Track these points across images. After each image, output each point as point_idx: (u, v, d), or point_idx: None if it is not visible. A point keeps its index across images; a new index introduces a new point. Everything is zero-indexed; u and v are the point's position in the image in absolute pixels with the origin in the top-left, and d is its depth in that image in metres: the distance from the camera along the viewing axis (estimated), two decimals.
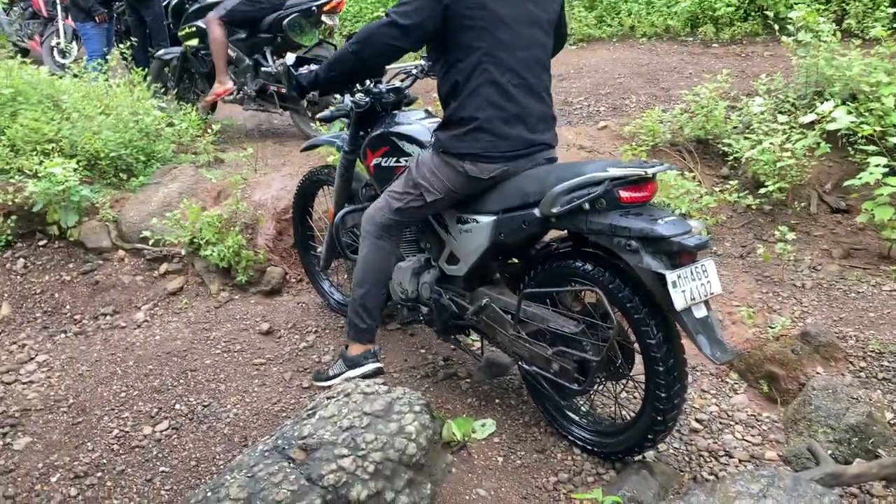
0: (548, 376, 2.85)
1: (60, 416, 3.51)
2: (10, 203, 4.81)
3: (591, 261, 2.70)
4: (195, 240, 4.60)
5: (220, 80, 6.53)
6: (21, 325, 4.41)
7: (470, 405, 3.36)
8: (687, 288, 2.41)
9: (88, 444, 3.30)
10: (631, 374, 2.83)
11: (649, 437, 2.73)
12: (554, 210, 2.60)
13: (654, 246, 2.42)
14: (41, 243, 4.91)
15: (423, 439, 2.65)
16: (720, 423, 3.18)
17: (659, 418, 2.64)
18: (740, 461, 2.93)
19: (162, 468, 3.11)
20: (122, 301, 4.58)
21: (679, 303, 2.38)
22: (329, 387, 3.29)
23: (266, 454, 2.58)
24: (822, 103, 4.84)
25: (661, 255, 2.43)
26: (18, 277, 4.71)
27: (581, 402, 3.10)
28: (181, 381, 3.66)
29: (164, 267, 4.78)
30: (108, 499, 3.00)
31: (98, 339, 4.20)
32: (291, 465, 2.49)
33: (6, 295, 4.59)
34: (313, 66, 3.25)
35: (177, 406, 3.48)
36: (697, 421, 3.19)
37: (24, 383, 3.82)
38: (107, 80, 6.22)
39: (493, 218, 2.89)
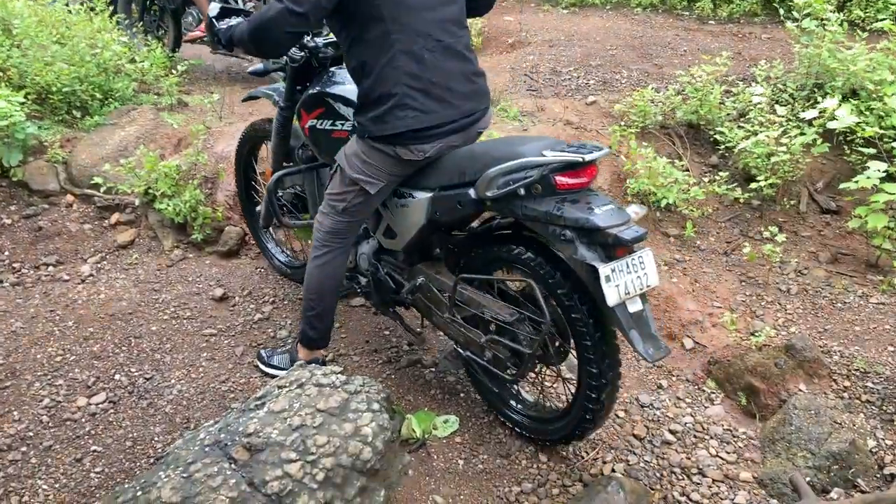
0: (481, 363, 2.76)
1: None
2: None
3: (530, 247, 2.55)
4: (150, 191, 4.27)
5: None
6: None
7: (433, 397, 3.15)
8: (621, 282, 2.28)
9: (15, 412, 3.03)
10: (563, 362, 2.73)
11: (579, 429, 2.68)
12: (489, 193, 2.46)
13: (588, 237, 2.29)
14: None
15: (379, 442, 2.43)
16: (694, 436, 3.02)
17: (588, 413, 2.58)
18: (714, 481, 2.78)
19: (94, 447, 2.86)
20: (67, 251, 4.26)
21: (612, 298, 2.26)
22: (270, 375, 3.14)
23: (206, 449, 2.34)
24: (822, 97, 4.63)
25: (595, 247, 2.30)
26: None
27: (517, 387, 2.98)
28: (123, 347, 3.39)
29: (115, 217, 4.46)
30: (31, 478, 2.75)
31: (37, 291, 3.89)
32: (233, 465, 2.26)
33: None
34: (236, 20, 2.89)
35: (116, 377, 3.21)
36: (671, 432, 3.02)
37: None
38: (66, 4, 5.74)
39: (430, 195, 2.71)
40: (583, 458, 2.86)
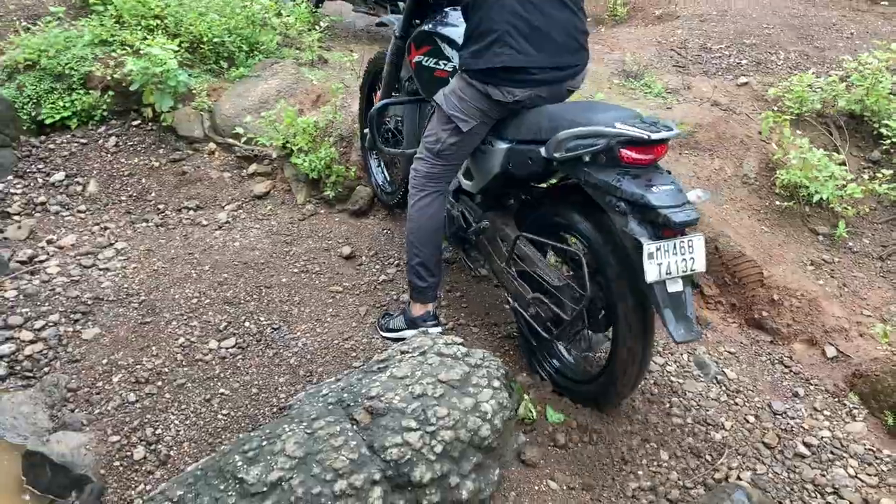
0: (525, 316, 2.88)
1: (131, 311, 3.42)
2: (108, 78, 4.68)
3: (589, 218, 2.61)
4: (288, 145, 4.37)
5: None
6: (106, 207, 4.33)
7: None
8: (664, 261, 2.31)
9: (153, 348, 3.20)
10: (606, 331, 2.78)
11: (602, 398, 2.80)
12: (556, 154, 2.53)
13: (641, 213, 2.33)
14: (134, 123, 4.79)
15: (498, 420, 2.40)
16: (831, 452, 2.81)
17: (612, 386, 2.70)
18: None
19: (222, 390, 2.98)
20: (207, 197, 4.43)
21: (651, 275, 2.29)
22: (390, 339, 3.19)
23: (329, 407, 2.38)
24: None
25: (646, 224, 2.34)
26: (109, 156, 4.61)
27: (557, 346, 3.05)
28: (254, 296, 3.50)
29: (252, 167, 4.60)
30: (165, 412, 2.89)
31: (178, 234, 4.08)
32: (354, 427, 2.28)
33: (95, 172, 4.51)
34: None
35: (246, 323, 3.33)
36: (805, 445, 2.83)
37: (100, 269, 3.75)
38: None
39: (506, 146, 2.83)
40: (707, 461, 2.72)
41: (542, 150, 2.59)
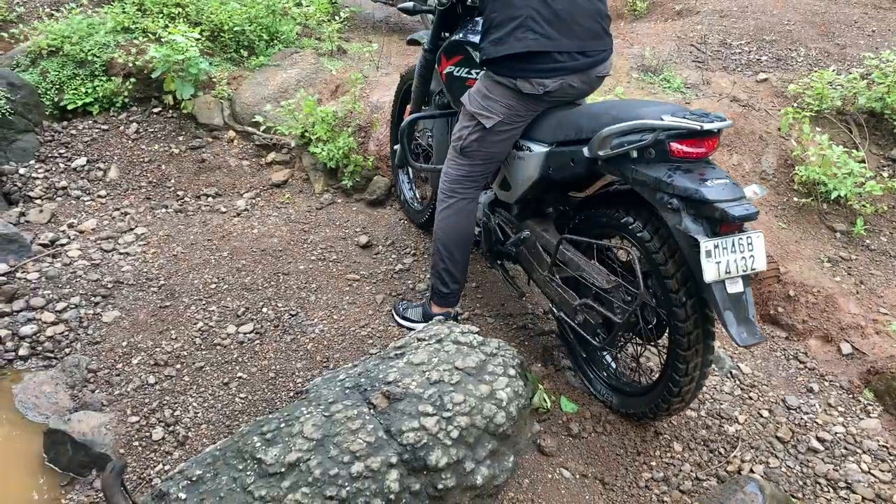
0: (573, 325, 2.74)
1: (150, 295, 3.46)
2: (130, 65, 4.73)
3: (639, 217, 2.46)
4: (306, 134, 4.40)
5: None
6: (126, 192, 4.38)
7: (567, 366, 3.10)
8: (723, 260, 2.18)
9: (172, 331, 3.24)
10: (659, 340, 2.62)
11: (653, 412, 2.64)
12: (601, 153, 2.39)
13: (695, 208, 2.19)
14: (155, 110, 4.83)
15: (513, 408, 2.41)
16: (845, 447, 2.81)
17: (665, 400, 2.54)
18: (863, 499, 2.58)
19: (240, 374, 3.02)
20: (226, 184, 4.47)
21: (710, 274, 2.16)
22: (402, 325, 3.21)
23: (347, 391, 2.41)
24: None
25: (701, 220, 2.20)
26: (129, 142, 4.66)
27: (606, 357, 2.97)
28: (272, 283, 3.54)
29: (271, 156, 4.64)
30: (184, 394, 2.93)
31: (197, 220, 4.12)
32: (372, 411, 2.31)
33: (116, 158, 4.56)
34: None
35: (264, 309, 3.36)
36: (819, 440, 2.83)
37: (120, 253, 3.80)
38: None
39: (546, 149, 2.69)
40: (720, 453, 2.74)
41: (585, 150, 2.47)
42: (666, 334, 2.55)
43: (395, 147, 3.71)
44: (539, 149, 2.72)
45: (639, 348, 2.87)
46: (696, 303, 2.35)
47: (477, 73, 3.00)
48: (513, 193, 2.98)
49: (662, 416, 2.66)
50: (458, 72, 3.11)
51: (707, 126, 2.17)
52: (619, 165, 2.38)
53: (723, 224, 2.18)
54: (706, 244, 2.15)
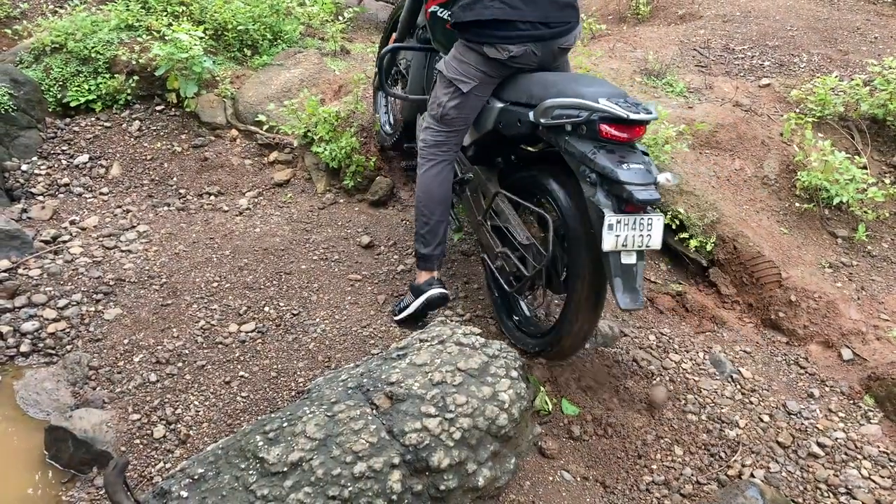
0: (492, 268, 3.12)
1: (152, 293, 3.46)
2: (133, 63, 4.73)
3: (562, 182, 2.75)
4: (309, 134, 4.41)
5: None
6: (128, 190, 4.38)
7: (567, 367, 3.10)
8: (622, 234, 2.47)
9: (174, 329, 3.24)
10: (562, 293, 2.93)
11: (546, 353, 2.99)
12: (542, 120, 2.64)
13: (609, 186, 2.47)
14: (158, 108, 4.83)
15: (515, 410, 2.42)
16: (845, 453, 2.82)
17: (557, 345, 2.87)
18: None
19: (242, 372, 3.02)
20: (228, 183, 4.47)
21: (608, 244, 2.46)
22: (404, 319, 3.26)
23: (349, 391, 2.41)
24: None
25: (612, 197, 2.48)
26: (132, 140, 4.66)
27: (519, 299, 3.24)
28: (274, 282, 3.54)
29: (273, 155, 4.64)
30: (185, 392, 2.93)
31: (199, 218, 4.12)
32: (374, 412, 2.31)
33: (118, 156, 4.56)
34: None
35: (266, 308, 3.36)
36: (819, 445, 2.83)
37: (122, 251, 3.80)
38: None
39: (501, 106, 2.96)
40: (721, 457, 2.74)
41: (531, 114, 2.70)
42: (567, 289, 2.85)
43: (375, 71, 3.88)
44: (496, 104, 2.98)
45: (543, 297, 3.20)
46: (594, 267, 2.63)
47: None
48: (469, 136, 3.24)
49: (550, 357, 3.01)
50: (441, 13, 3.22)
51: (633, 116, 2.43)
52: (555, 134, 2.64)
53: (628, 204, 2.44)
54: (610, 218, 2.44)
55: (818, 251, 3.88)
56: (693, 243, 3.76)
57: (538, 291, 3.15)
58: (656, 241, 2.51)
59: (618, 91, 2.59)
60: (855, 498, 2.61)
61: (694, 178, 3.97)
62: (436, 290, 3.15)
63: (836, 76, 4.60)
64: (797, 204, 4.04)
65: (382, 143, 4.35)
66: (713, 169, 4.10)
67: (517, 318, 3.21)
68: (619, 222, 2.45)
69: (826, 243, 3.95)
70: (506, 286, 3.02)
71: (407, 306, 3.25)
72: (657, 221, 2.50)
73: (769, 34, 5.70)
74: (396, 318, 3.30)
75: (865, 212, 3.96)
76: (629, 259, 2.50)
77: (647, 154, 2.57)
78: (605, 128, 2.47)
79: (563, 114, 2.57)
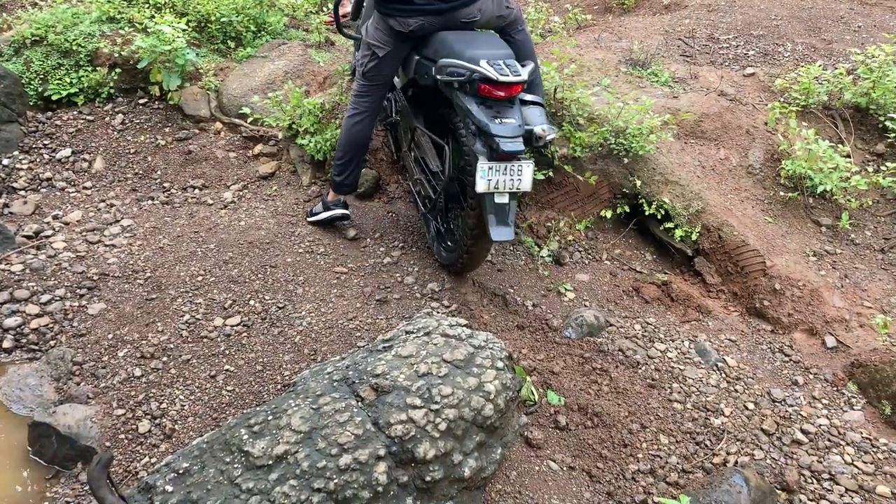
0: (413, 192, 3.74)
1: (136, 287, 3.44)
2: (116, 55, 4.68)
3: (468, 128, 3.06)
4: (294, 126, 4.38)
5: None
6: (111, 184, 4.34)
7: (560, 361, 3.11)
8: (494, 178, 2.90)
9: (159, 324, 3.22)
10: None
11: (454, 266, 3.47)
12: (438, 76, 3.09)
13: (484, 137, 2.92)
14: (141, 101, 4.79)
15: (501, 400, 2.42)
16: (828, 439, 2.84)
17: (461, 259, 3.35)
18: (846, 490, 2.61)
19: (227, 366, 3.00)
20: (213, 176, 4.44)
21: (480, 186, 2.90)
22: (316, 223, 3.92)
23: (334, 384, 2.40)
24: None
25: (486, 147, 2.92)
26: (115, 133, 4.62)
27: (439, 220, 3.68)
28: (259, 275, 3.52)
29: (258, 148, 4.61)
30: (170, 387, 2.92)
31: (184, 212, 4.09)
32: (360, 404, 2.31)
33: (101, 149, 4.52)
34: None
35: (251, 302, 3.35)
36: (803, 432, 2.86)
37: (106, 245, 3.77)
38: None
39: (417, 58, 3.38)
40: (706, 445, 2.76)
41: (433, 70, 3.11)
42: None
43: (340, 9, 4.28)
44: (415, 56, 3.39)
45: (456, 218, 3.52)
46: (477, 202, 3.05)
47: None
48: (401, 81, 3.76)
49: (458, 270, 3.49)
50: None
51: (501, 78, 2.83)
52: (448, 88, 3.08)
53: (497, 153, 2.85)
54: (482, 165, 2.88)
55: (802, 240, 3.90)
56: (678, 233, 3.77)
57: (451, 214, 3.55)
58: (526, 185, 2.95)
59: (502, 53, 3.00)
60: (838, 483, 2.64)
61: (679, 167, 3.98)
62: (339, 211, 3.83)
63: (820, 65, 4.62)
64: (782, 193, 4.06)
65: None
66: (698, 158, 4.11)
67: (439, 236, 3.67)
68: (490, 168, 2.89)
69: (810, 232, 3.97)
70: (422, 206, 3.65)
71: (317, 214, 3.91)
72: (527, 168, 2.93)
73: (754, 23, 5.71)
74: (309, 219, 3.94)
75: (849, 200, 3.99)
76: (502, 199, 2.95)
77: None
78: (483, 86, 2.90)
79: (453, 72, 2.99)
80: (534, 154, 3.78)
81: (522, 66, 2.93)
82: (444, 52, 3.10)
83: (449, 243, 3.57)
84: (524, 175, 2.93)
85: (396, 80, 3.82)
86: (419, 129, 3.56)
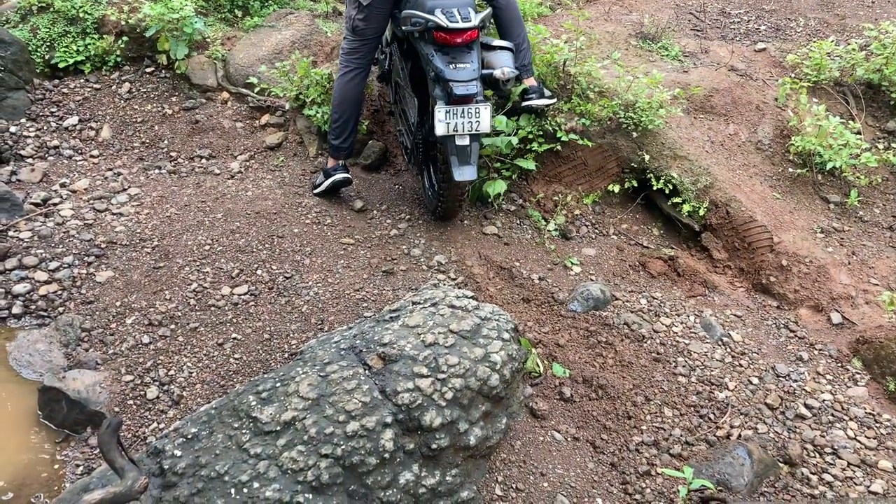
0: (399, 141, 3.94)
1: (144, 256, 3.45)
2: (123, 23, 4.66)
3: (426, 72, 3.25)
4: (301, 96, 4.36)
5: None
6: (118, 153, 4.34)
7: (565, 334, 3.12)
8: (452, 121, 3.09)
9: (166, 292, 3.24)
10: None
11: (435, 211, 3.64)
12: (403, 27, 3.26)
13: (441, 83, 3.10)
14: (148, 70, 4.77)
15: (507, 371, 2.44)
16: (832, 414, 2.86)
17: (440, 205, 3.55)
18: (849, 464, 2.63)
19: (234, 335, 3.02)
20: (220, 146, 4.43)
21: (440, 130, 3.09)
22: (321, 194, 3.92)
23: (342, 352, 2.42)
24: None
25: (444, 91, 3.09)
26: (122, 102, 4.61)
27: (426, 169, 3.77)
28: (266, 245, 3.53)
29: (265, 118, 4.59)
30: (178, 354, 2.94)
31: (191, 182, 4.09)
32: (367, 372, 2.32)
33: (108, 118, 4.51)
34: None
35: (258, 271, 3.36)
36: (806, 406, 2.87)
37: (113, 214, 3.78)
38: None
39: (397, 12, 3.46)
40: (710, 419, 2.77)
41: (400, 20, 3.27)
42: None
43: None
44: (396, 12, 3.47)
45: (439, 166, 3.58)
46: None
47: None
48: (389, 35, 3.84)
49: (439, 216, 3.66)
50: None
51: (451, 25, 3.03)
52: (413, 39, 3.27)
53: (452, 97, 3.04)
54: (440, 109, 3.07)
55: (810, 216, 3.89)
56: (686, 208, 3.76)
57: (430, 163, 3.66)
58: (485, 126, 3.13)
59: (459, 3, 3.11)
60: (840, 458, 2.66)
61: (688, 142, 3.96)
62: (340, 175, 3.81)
63: (833, 40, 4.57)
64: (790, 169, 4.04)
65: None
66: (707, 133, 4.08)
67: (427, 184, 3.75)
68: (448, 112, 3.06)
69: (818, 208, 3.96)
70: (406, 156, 3.82)
71: (320, 184, 3.89)
72: (484, 110, 3.10)
73: None
74: (314, 191, 3.93)
75: (858, 177, 3.97)
76: (462, 141, 3.13)
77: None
78: (438, 34, 3.07)
79: (415, 22, 3.13)
80: (497, 98, 3.81)
81: (476, 13, 3.12)
82: (412, 3, 3.23)
83: (430, 192, 3.70)
84: (482, 117, 3.10)
85: (387, 34, 3.90)
86: (399, 83, 3.70)
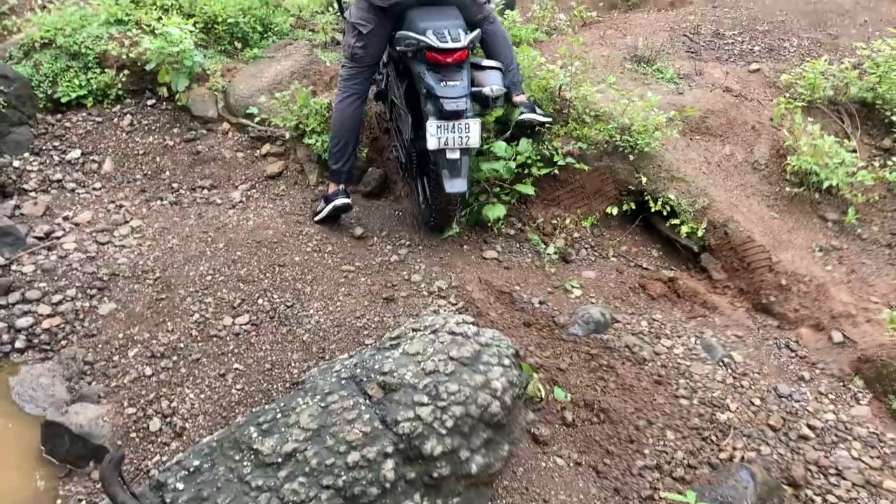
0: (395, 155, 4.11)
1: (146, 287, 3.47)
2: (124, 57, 4.72)
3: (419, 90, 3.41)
4: (301, 126, 4.41)
5: None
6: (121, 185, 4.38)
7: (566, 358, 3.12)
8: (443, 136, 3.25)
9: (169, 323, 3.25)
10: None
11: (428, 222, 3.80)
12: (397, 48, 3.46)
13: (432, 99, 3.26)
14: (149, 103, 4.83)
15: (508, 397, 2.44)
16: (835, 434, 2.85)
17: (432, 217, 3.70)
18: (853, 485, 2.62)
19: (236, 365, 3.04)
20: (221, 176, 4.47)
21: (431, 144, 3.26)
22: (322, 221, 3.94)
23: (343, 382, 2.43)
24: None
25: (435, 107, 3.25)
26: (124, 135, 4.66)
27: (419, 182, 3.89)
28: (268, 274, 3.55)
29: (266, 148, 4.64)
30: (181, 386, 2.95)
31: (192, 212, 4.12)
32: (367, 401, 2.33)
33: (110, 151, 4.56)
34: None
35: (260, 301, 3.37)
36: (809, 427, 2.87)
37: (116, 246, 3.81)
38: None
39: (395, 33, 3.57)
40: (712, 441, 2.77)
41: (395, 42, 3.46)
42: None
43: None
44: (394, 32, 3.58)
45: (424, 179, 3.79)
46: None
47: None
48: (387, 57, 3.97)
49: (432, 226, 3.78)
50: None
51: (440, 45, 3.21)
52: (406, 59, 3.47)
53: (442, 112, 3.20)
54: (431, 124, 3.24)
55: (809, 235, 3.90)
56: (684, 229, 3.78)
57: (424, 177, 3.76)
58: (474, 141, 3.27)
59: (450, 24, 3.30)
60: (845, 478, 2.65)
61: (684, 164, 3.99)
62: (341, 200, 3.84)
63: (826, 60, 4.61)
64: (787, 188, 4.06)
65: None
66: (704, 154, 4.11)
67: (421, 198, 3.87)
68: (439, 127, 3.21)
69: (816, 227, 3.97)
70: (399, 169, 4.01)
71: (321, 211, 3.92)
72: (474, 126, 3.25)
73: (759, 19, 5.70)
74: (315, 219, 3.96)
75: (855, 195, 3.99)
76: (453, 155, 3.27)
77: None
78: (430, 54, 3.24)
79: (408, 42, 3.31)
80: (484, 113, 3.84)
81: (466, 34, 3.28)
82: (406, 26, 3.40)
83: (423, 205, 3.82)
84: (472, 132, 3.24)
85: (383, 58, 4.02)
86: (394, 101, 3.83)
